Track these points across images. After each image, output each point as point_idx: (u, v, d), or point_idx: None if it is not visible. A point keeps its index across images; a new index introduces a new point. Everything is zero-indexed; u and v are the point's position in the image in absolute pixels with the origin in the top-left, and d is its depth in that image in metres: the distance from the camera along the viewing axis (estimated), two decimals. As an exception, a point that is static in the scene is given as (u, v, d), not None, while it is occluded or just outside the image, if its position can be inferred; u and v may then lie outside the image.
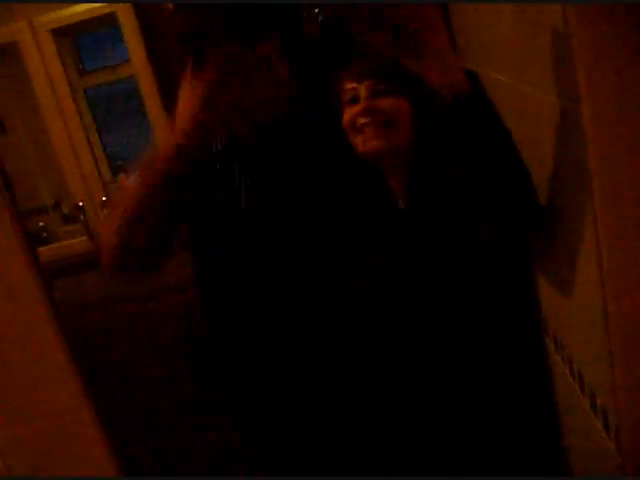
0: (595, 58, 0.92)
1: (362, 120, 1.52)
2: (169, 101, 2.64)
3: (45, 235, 3.06)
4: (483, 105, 1.22)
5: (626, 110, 0.93)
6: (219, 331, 1.92)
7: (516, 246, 1.60)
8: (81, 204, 2.88)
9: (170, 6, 1.68)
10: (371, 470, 1.73)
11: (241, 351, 1.89)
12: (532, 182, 1.28)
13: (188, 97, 1.40)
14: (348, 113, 1.56)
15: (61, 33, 2.83)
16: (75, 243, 2.96)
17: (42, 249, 2.83)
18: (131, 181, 1.50)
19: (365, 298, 1.65)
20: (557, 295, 1.41)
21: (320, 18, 1.14)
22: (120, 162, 3.35)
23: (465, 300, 1.56)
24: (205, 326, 1.98)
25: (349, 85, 1.55)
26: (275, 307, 1.78)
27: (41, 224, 3.08)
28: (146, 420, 3.06)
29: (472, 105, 1.21)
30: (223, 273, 1.83)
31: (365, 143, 1.53)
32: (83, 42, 3.18)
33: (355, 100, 1.54)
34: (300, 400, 1.85)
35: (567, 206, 1.20)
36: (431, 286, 1.57)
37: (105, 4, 2.69)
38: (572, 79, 0.97)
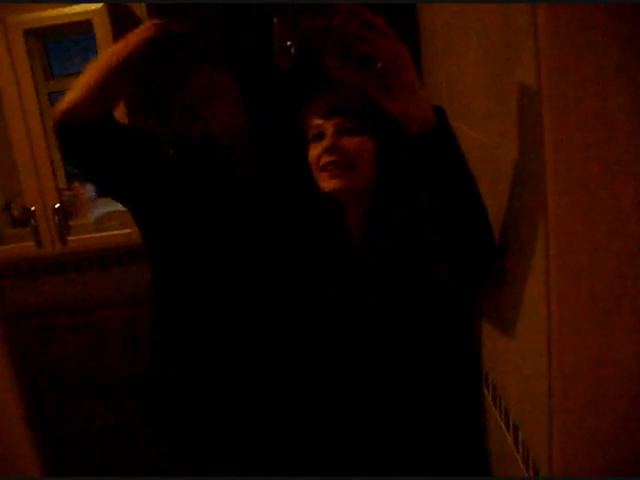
0: (563, 117, 0.94)
1: (326, 159, 1.53)
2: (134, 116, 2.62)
3: (-7, 237, 2.99)
4: (448, 140, 1.24)
5: (589, 169, 0.95)
6: (168, 347, 1.90)
7: (463, 293, 1.61)
8: (33, 208, 2.82)
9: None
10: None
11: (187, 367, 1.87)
12: (489, 221, 1.29)
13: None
14: (313, 150, 1.57)
15: (33, 34, 2.80)
16: (22, 247, 2.88)
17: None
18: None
19: (312, 326, 1.65)
20: (499, 347, 1.42)
21: (292, 51, 1.15)
22: (77, 170, 3.31)
23: (406, 343, 1.57)
24: (156, 340, 1.96)
25: (316, 121, 1.56)
26: (224, 328, 1.78)
27: (-11, 225, 3.02)
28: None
29: (438, 139, 1.23)
30: (176, 292, 1.83)
31: (327, 181, 1.54)
32: (53, 46, 3.14)
33: (321, 137, 1.55)
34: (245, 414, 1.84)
35: (518, 260, 1.21)
36: (374, 320, 1.57)
37: (81, 10, 2.66)
38: (536, 136, 0.99)
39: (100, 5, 2.64)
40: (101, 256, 2.94)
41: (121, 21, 2.66)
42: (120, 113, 2.31)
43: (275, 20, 1.13)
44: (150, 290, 1.90)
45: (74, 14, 2.68)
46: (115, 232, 2.86)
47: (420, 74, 1.69)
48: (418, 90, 1.19)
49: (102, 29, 2.65)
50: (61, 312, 2.92)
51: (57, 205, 2.80)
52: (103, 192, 1.87)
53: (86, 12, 2.66)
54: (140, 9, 2.65)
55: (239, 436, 1.88)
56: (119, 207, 1.93)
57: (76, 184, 3.24)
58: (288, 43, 1.14)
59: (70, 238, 2.87)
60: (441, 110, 1.25)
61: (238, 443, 1.88)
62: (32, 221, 2.83)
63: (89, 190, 3.26)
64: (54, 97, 3.07)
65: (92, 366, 2.93)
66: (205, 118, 1.64)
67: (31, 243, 2.86)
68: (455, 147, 1.25)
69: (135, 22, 2.58)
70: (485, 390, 1.58)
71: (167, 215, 1.75)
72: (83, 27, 2.70)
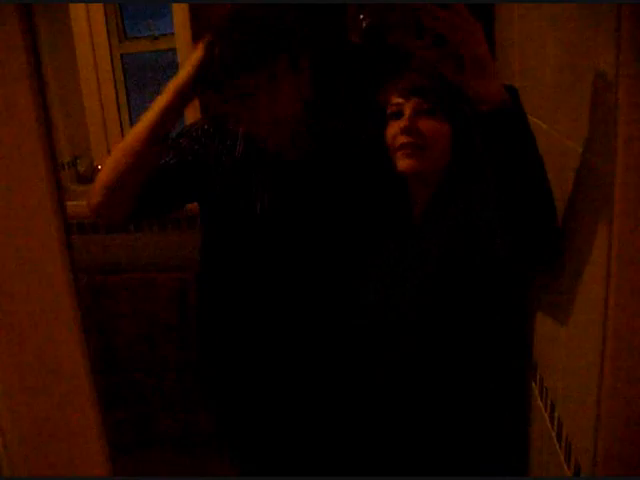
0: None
1: (402, 139, 1.54)
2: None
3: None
4: (520, 120, 1.23)
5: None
6: (211, 321, 1.93)
7: (520, 279, 1.60)
8: (99, 167, 2.87)
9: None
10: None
11: (229, 346, 1.90)
12: (554, 205, 1.27)
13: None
14: (390, 128, 1.58)
15: (110, -4, 2.86)
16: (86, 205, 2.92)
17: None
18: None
19: (365, 308, 1.66)
20: (551, 339, 1.41)
21: (364, 25, 1.15)
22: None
23: (460, 325, 1.57)
24: (199, 312, 1.99)
25: (395, 100, 1.57)
26: (273, 309, 1.80)
27: (55, 179, 3.07)
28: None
29: (509, 118, 1.22)
30: (226, 269, 1.84)
31: (401, 161, 1.55)
32: (128, 7, 3.18)
33: (399, 115, 1.56)
34: (283, 403, 1.87)
35: (579, 250, 1.19)
36: (430, 303, 1.58)
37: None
38: (609, 129, 0.97)
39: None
40: (162, 218, 2.97)
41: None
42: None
43: None
44: (199, 261, 1.93)
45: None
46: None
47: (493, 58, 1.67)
48: (490, 69, 1.19)
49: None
50: (117, 270, 2.98)
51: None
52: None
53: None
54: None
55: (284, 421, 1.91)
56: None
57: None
58: (360, 17, 1.14)
59: (133, 199, 2.91)
60: (513, 89, 1.24)
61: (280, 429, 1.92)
62: (98, 179, 2.87)
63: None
64: (126, 58, 3.12)
65: (142, 327, 3.00)
66: (261, 105, 1.60)
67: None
68: (526, 127, 1.24)
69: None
70: (532, 381, 1.58)
71: (225, 201, 1.78)
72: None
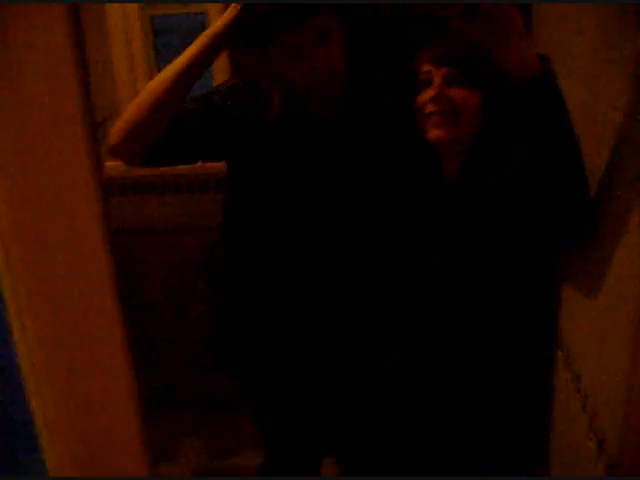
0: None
1: (432, 107, 1.53)
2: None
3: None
4: (553, 90, 1.22)
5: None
6: (236, 285, 1.93)
7: (551, 248, 1.60)
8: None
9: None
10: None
11: (255, 311, 1.91)
12: (586, 175, 1.26)
13: None
14: (421, 96, 1.57)
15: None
16: (113, 166, 2.93)
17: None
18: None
19: (394, 273, 1.66)
20: (581, 309, 1.40)
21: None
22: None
23: (488, 293, 1.58)
24: (223, 273, 1.99)
25: (426, 68, 1.56)
26: (300, 272, 1.80)
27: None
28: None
29: (542, 88, 1.21)
30: (252, 232, 1.84)
31: (431, 130, 1.55)
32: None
33: (429, 83, 1.55)
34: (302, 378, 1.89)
35: (615, 226, 1.18)
36: (459, 273, 1.59)
37: None
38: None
39: None
40: (190, 180, 2.98)
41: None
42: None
43: None
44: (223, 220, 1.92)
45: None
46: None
47: (529, 28, 1.65)
48: (523, 37, 1.17)
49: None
50: (145, 232, 3.00)
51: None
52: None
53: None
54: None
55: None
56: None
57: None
58: None
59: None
60: (546, 59, 1.22)
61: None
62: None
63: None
64: (156, 20, 3.11)
65: (170, 287, 3.03)
66: (313, 61, 1.57)
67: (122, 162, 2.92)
68: (558, 96, 1.23)
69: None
70: (559, 351, 1.58)
71: (253, 160, 1.76)
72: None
